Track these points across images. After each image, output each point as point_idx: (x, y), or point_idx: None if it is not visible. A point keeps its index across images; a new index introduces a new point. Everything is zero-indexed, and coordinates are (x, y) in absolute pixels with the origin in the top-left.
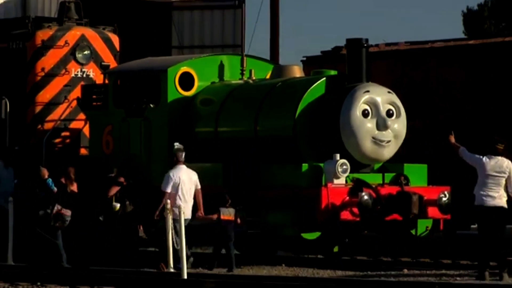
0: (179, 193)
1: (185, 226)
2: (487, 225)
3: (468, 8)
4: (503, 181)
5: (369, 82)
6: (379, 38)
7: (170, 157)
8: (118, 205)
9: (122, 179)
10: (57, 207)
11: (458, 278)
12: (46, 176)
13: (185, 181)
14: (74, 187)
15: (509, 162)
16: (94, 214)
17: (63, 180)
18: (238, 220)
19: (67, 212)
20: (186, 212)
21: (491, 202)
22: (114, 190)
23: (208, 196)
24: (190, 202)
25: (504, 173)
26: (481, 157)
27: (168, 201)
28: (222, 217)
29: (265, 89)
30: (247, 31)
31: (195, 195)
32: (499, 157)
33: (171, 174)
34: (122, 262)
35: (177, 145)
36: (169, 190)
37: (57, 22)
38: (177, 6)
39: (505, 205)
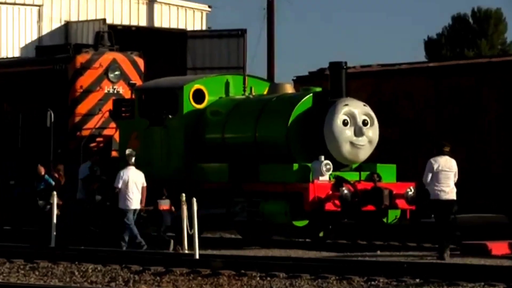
0: (128, 188)
1: (134, 213)
2: (442, 215)
3: (428, 36)
4: (452, 176)
5: (348, 97)
6: (355, 58)
7: (185, 158)
8: (99, 197)
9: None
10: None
11: (423, 258)
12: (43, 173)
13: (132, 179)
14: (63, 181)
15: (455, 161)
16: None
17: (56, 175)
18: (173, 209)
19: (60, 202)
20: (134, 203)
21: (444, 196)
22: (95, 185)
23: (216, 191)
24: (138, 195)
25: (453, 169)
26: (430, 160)
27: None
28: (160, 207)
29: (263, 102)
30: (248, 54)
31: (142, 190)
32: (447, 157)
33: (121, 173)
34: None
35: (129, 150)
36: (120, 186)
37: (93, 48)
38: (191, 35)
39: (455, 198)
